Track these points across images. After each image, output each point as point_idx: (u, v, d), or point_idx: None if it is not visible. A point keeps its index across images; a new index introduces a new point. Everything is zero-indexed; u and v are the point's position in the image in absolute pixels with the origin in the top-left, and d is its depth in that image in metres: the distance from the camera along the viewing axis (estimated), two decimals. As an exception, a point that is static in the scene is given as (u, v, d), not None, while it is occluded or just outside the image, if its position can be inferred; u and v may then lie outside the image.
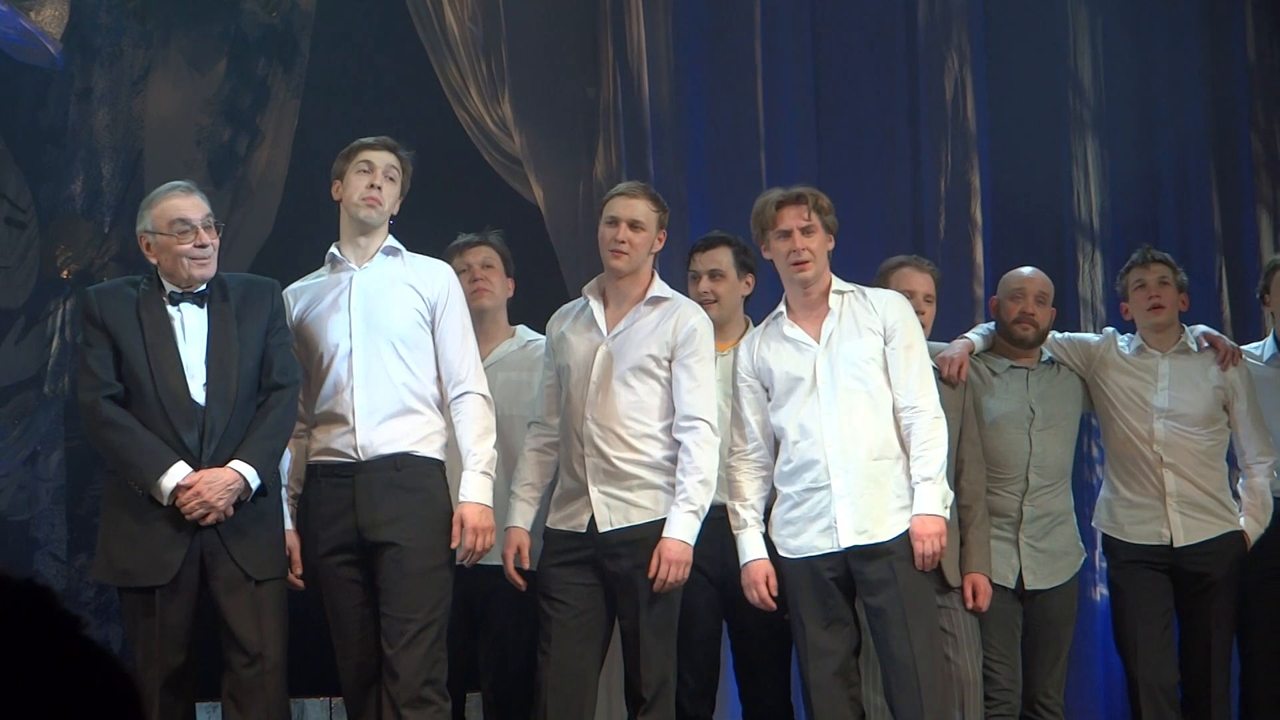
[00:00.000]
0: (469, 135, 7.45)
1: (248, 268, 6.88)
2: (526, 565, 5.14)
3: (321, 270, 5.18)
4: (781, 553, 5.09)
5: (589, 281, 5.32)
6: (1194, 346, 5.82)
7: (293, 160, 7.68)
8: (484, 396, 5.07)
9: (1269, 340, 6.04)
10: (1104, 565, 6.22)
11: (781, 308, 5.20)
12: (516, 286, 5.65)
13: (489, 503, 4.99)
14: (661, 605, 5.00)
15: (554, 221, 7.36)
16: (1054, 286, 5.92)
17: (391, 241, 5.13)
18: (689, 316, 5.11)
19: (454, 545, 4.96)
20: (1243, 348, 5.97)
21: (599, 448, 5.03)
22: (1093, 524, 5.96)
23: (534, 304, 5.82)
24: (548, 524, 5.14)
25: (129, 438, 4.72)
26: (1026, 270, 5.88)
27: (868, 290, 5.22)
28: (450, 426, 5.08)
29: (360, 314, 5.04)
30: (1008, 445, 5.64)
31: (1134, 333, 5.88)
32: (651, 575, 4.95)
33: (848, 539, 4.99)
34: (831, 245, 5.16)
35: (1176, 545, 5.72)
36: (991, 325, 5.87)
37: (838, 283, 5.17)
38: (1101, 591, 6.82)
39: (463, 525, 4.94)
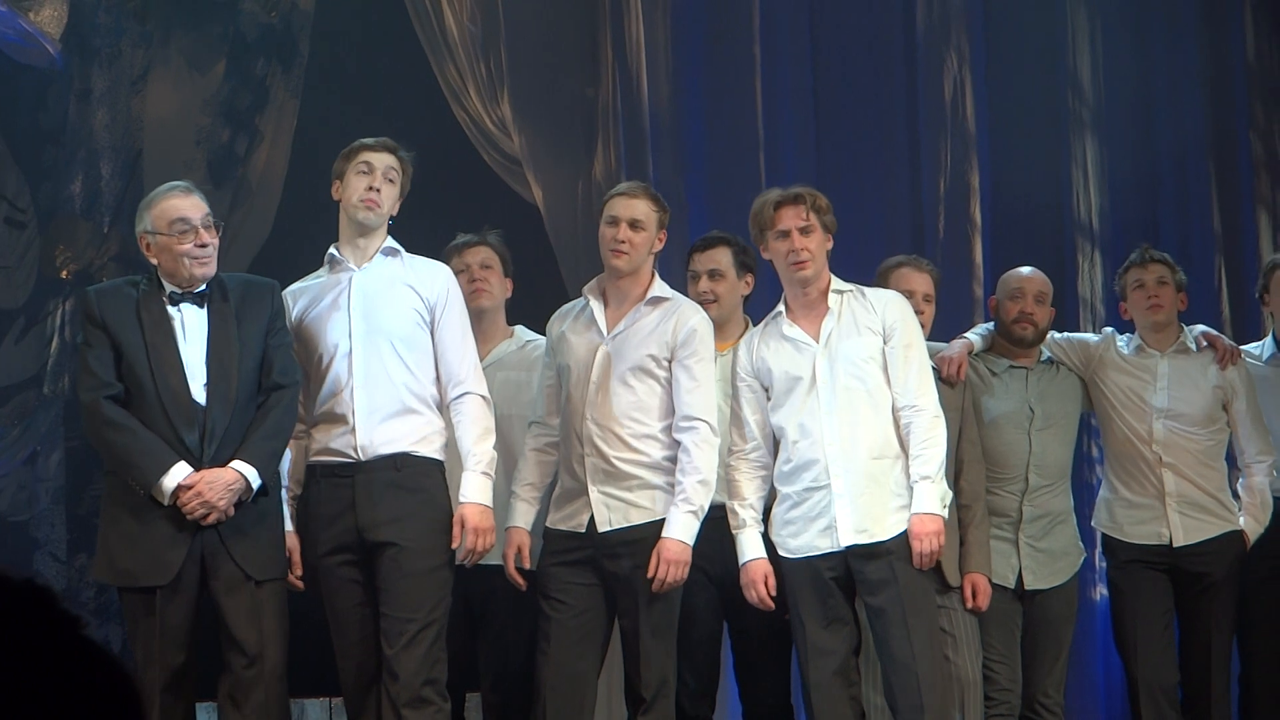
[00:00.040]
0: (468, 135, 7.45)
1: (247, 268, 6.88)
2: (527, 565, 5.14)
3: (320, 271, 5.18)
4: (781, 553, 5.09)
5: (588, 281, 5.32)
6: (1193, 346, 5.82)
7: (292, 160, 7.67)
8: (483, 397, 5.07)
9: (1268, 340, 6.04)
10: (1104, 565, 6.22)
11: (781, 307, 5.20)
12: (516, 287, 5.65)
13: (489, 503, 4.99)
14: (661, 605, 5.00)
15: (553, 222, 7.36)
16: (1053, 286, 5.93)
17: (390, 242, 5.13)
18: (689, 317, 5.11)
19: (455, 546, 4.96)
20: (1242, 347, 5.97)
21: (598, 448, 5.03)
22: (1092, 524, 5.96)
23: (534, 304, 5.82)
24: (547, 524, 5.14)
25: (130, 438, 4.72)
26: (1025, 270, 5.88)
27: (867, 290, 5.22)
28: (450, 427, 5.08)
29: (360, 314, 5.04)
30: (1007, 445, 5.64)
31: (1133, 333, 5.88)
32: (650, 575, 4.95)
33: (847, 538, 4.99)
34: (830, 245, 5.17)
35: (1176, 545, 5.72)
36: (991, 325, 5.87)
37: (837, 282, 5.17)
38: (1101, 591, 6.81)
39: (463, 526, 4.94)
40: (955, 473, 5.42)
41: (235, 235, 7.26)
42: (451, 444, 5.07)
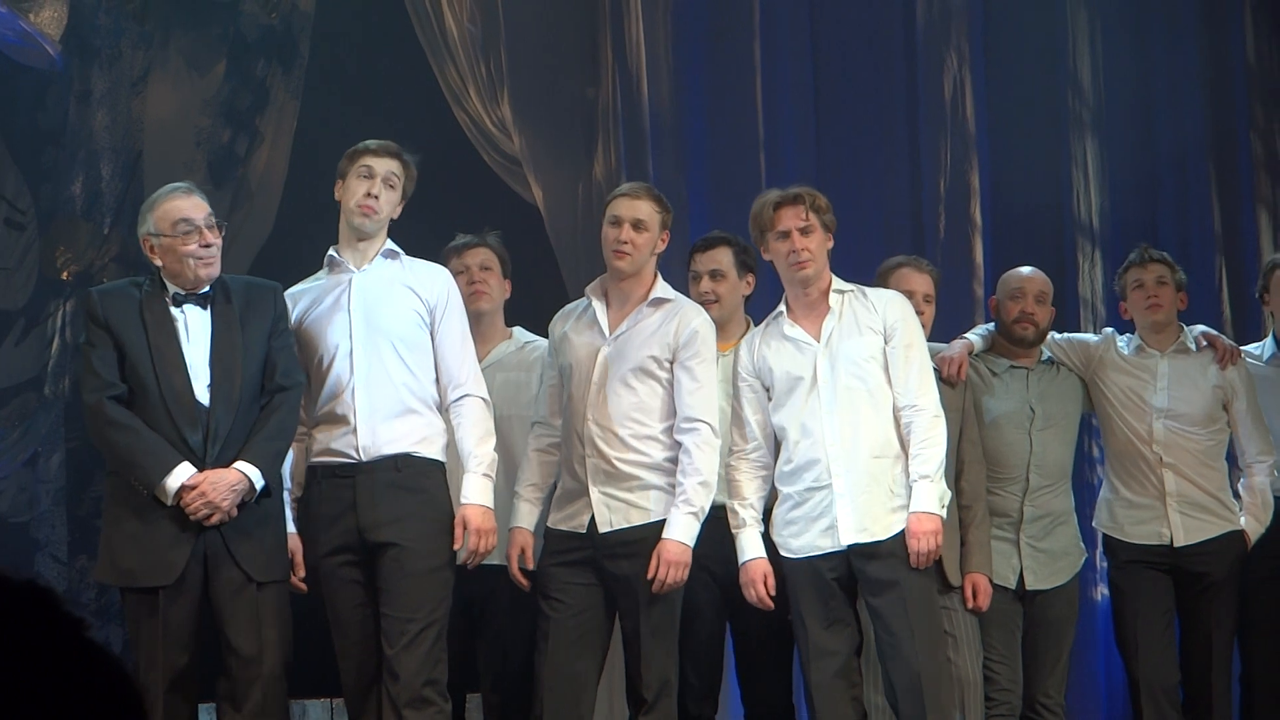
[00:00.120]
0: (468, 136, 7.45)
1: (247, 269, 6.88)
2: (530, 565, 5.14)
3: (320, 273, 5.18)
4: (783, 553, 5.09)
5: (589, 282, 5.32)
6: (1192, 346, 5.82)
7: (292, 161, 7.67)
8: (483, 399, 5.07)
9: (1269, 340, 6.04)
10: (1104, 565, 6.22)
11: (782, 307, 5.20)
12: (516, 287, 5.65)
13: (490, 505, 4.99)
14: (662, 606, 5.00)
15: (553, 222, 7.36)
16: (1054, 286, 5.93)
17: (390, 245, 5.13)
18: (691, 318, 5.11)
19: (457, 547, 4.96)
20: (1242, 347, 5.97)
21: (599, 448, 5.03)
22: (1093, 524, 5.96)
23: (533, 305, 5.82)
24: (548, 524, 5.14)
25: (133, 438, 4.72)
26: (1026, 270, 5.88)
27: (868, 290, 5.22)
28: (450, 429, 5.08)
29: (360, 314, 5.04)
30: (1008, 445, 5.64)
31: (1133, 333, 5.88)
32: (650, 576, 4.94)
33: (849, 537, 4.99)
34: (830, 244, 5.17)
35: (1177, 545, 5.71)
36: (991, 325, 5.87)
37: (838, 282, 5.17)
38: (1102, 591, 6.82)
39: (465, 527, 4.94)
40: (956, 473, 5.42)
41: (235, 236, 7.25)
42: (452, 445, 5.07)
